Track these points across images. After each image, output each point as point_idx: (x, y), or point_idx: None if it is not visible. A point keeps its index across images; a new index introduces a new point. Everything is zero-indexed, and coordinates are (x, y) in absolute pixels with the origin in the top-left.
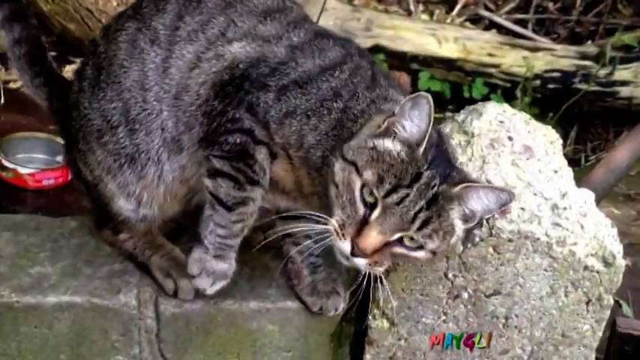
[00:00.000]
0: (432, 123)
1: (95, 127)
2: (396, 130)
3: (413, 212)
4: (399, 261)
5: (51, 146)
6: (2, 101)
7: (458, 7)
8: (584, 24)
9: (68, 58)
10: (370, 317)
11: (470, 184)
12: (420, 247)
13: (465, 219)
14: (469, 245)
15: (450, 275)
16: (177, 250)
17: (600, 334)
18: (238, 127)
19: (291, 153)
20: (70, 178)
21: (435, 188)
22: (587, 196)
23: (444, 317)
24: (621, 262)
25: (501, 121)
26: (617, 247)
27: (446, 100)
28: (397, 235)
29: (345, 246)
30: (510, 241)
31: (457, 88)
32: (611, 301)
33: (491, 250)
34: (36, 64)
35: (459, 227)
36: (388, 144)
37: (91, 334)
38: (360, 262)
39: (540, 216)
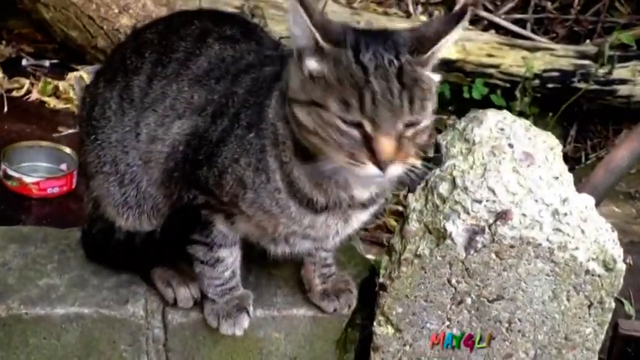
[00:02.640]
0: (314, 15)
1: (91, 162)
2: (304, 49)
3: (395, 100)
4: (420, 139)
5: (55, 154)
6: (5, 110)
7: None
8: (583, 23)
9: (70, 66)
10: (375, 324)
11: (434, 46)
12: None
13: (435, 69)
14: (472, 252)
15: (454, 281)
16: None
17: (602, 336)
18: (196, 205)
19: (240, 203)
20: (74, 186)
21: (395, 62)
22: (588, 201)
23: (448, 322)
24: (622, 266)
25: (502, 129)
26: (617, 252)
27: (446, 100)
28: (400, 126)
29: (373, 170)
30: (512, 247)
31: (457, 88)
32: (613, 304)
33: (493, 255)
34: None
35: (436, 76)
36: (313, 64)
37: (99, 345)
38: (395, 171)
39: (542, 222)
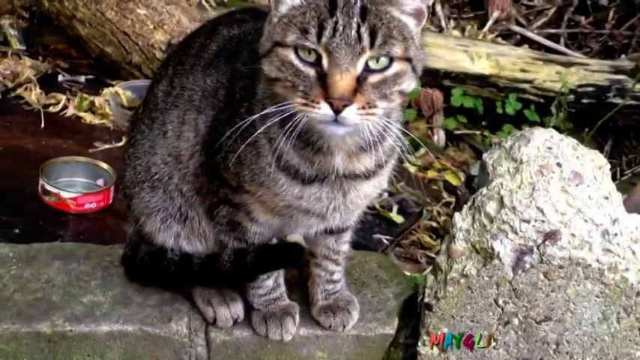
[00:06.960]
0: None
1: (129, 179)
2: None
3: (354, 32)
4: (387, 91)
5: (92, 170)
6: (42, 125)
7: (489, 22)
8: (617, 37)
9: (105, 81)
10: (420, 343)
11: None
12: (390, 61)
13: (410, 14)
14: (520, 272)
15: (501, 302)
16: None
17: None
18: (220, 199)
19: (243, 183)
20: (110, 202)
21: (359, 1)
22: (638, 221)
23: (494, 343)
24: None
25: (549, 147)
26: None
27: (479, 116)
28: (360, 63)
29: (324, 108)
30: (561, 267)
31: (490, 104)
32: None
33: (541, 276)
34: None
35: (412, 23)
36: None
37: None
38: (351, 117)
39: (591, 242)
